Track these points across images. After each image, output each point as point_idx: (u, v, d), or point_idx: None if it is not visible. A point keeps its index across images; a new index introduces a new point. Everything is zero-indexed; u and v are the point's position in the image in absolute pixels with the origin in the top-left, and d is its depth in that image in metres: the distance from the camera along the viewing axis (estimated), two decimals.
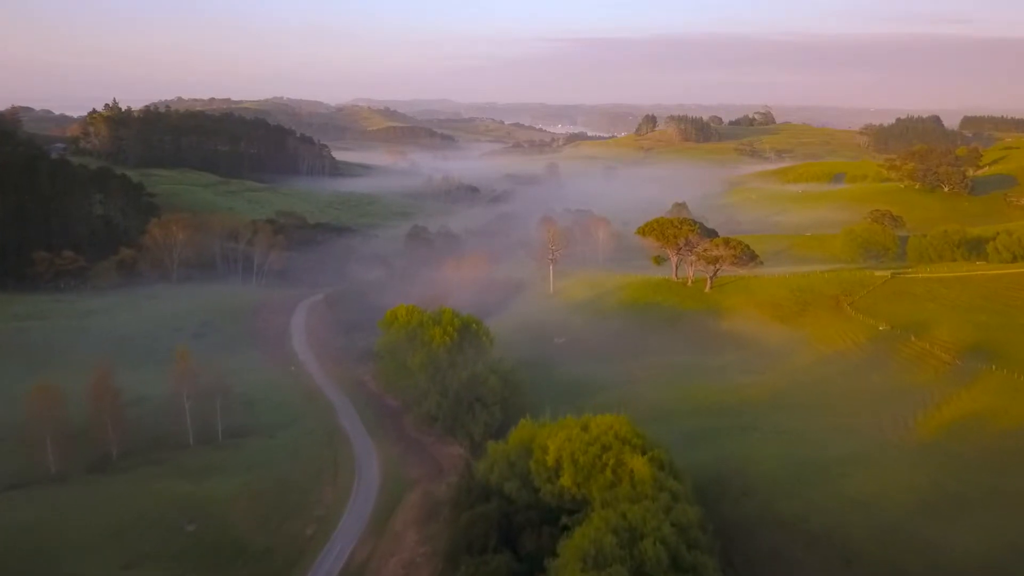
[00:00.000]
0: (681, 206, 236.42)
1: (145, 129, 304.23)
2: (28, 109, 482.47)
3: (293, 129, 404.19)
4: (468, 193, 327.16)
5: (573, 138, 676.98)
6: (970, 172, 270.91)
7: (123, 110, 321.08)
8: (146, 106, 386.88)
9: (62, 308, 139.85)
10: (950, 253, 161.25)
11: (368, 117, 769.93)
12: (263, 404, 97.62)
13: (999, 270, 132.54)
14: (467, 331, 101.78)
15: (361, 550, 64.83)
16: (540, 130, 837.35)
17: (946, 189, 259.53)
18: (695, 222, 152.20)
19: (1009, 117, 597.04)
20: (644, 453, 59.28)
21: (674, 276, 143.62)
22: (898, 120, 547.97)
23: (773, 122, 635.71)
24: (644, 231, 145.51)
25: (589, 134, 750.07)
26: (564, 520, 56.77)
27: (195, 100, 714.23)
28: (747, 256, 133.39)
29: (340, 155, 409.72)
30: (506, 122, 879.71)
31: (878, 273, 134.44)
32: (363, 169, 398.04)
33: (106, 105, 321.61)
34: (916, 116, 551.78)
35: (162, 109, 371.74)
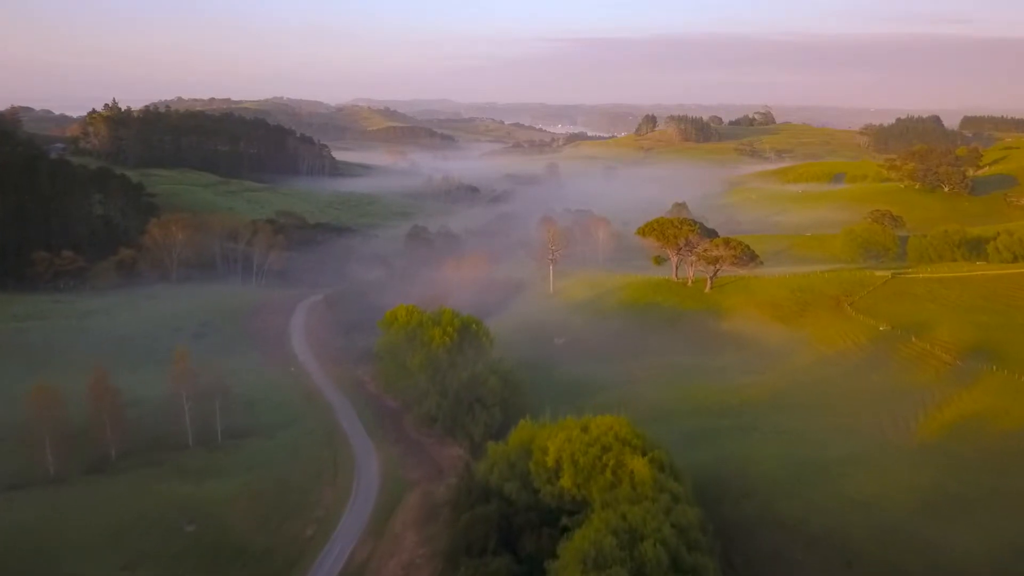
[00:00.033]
0: (681, 206, 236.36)
1: (145, 129, 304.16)
2: (28, 109, 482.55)
3: (293, 129, 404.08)
4: (468, 193, 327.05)
5: (573, 138, 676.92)
6: (970, 172, 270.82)
7: (123, 110, 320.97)
8: (146, 106, 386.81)
9: (61, 308, 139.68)
10: (950, 253, 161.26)
11: (368, 117, 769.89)
12: (263, 405, 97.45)
13: (999, 270, 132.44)
14: (467, 331, 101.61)
15: (361, 551, 64.70)
16: (540, 130, 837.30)
17: (946, 189, 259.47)
18: (695, 222, 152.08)
19: (1009, 117, 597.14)
20: (644, 454, 59.17)
21: (674, 276, 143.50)
22: (898, 120, 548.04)
23: (773, 122, 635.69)
24: (644, 231, 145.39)
25: (589, 134, 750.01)
26: (564, 521, 56.70)
27: (195, 100, 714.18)
28: (747, 256, 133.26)
29: (340, 155, 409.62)
30: (506, 122, 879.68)
31: (878, 273, 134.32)
32: (363, 169, 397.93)
33: (106, 105, 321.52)
34: (916, 116, 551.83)
35: (162, 109, 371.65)
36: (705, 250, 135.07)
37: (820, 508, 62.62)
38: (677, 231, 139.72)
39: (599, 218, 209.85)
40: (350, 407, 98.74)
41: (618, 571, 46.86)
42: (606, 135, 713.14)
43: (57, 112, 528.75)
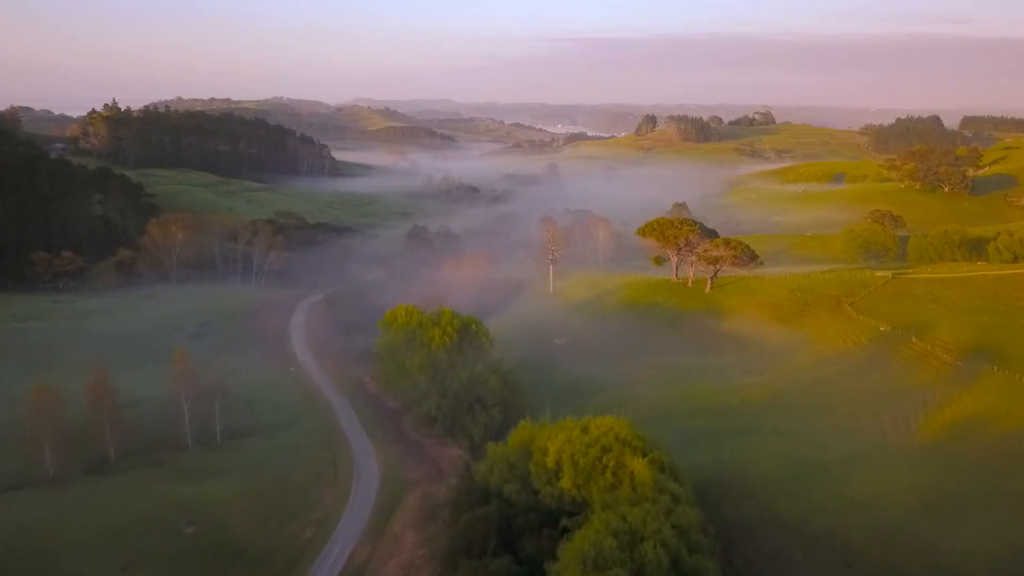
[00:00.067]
0: (681, 206, 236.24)
1: (145, 129, 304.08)
2: (28, 109, 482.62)
3: (293, 129, 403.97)
4: (468, 193, 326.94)
5: (573, 138, 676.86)
6: (970, 172, 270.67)
7: (123, 110, 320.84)
8: (146, 106, 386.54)
9: (61, 309, 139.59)
10: (951, 253, 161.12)
11: (368, 117, 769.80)
12: (262, 405, 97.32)
13: (1000, 270, 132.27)
14: (467, 332, 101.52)
15: (360, 552, 64.60)
16: (540, 130, 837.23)
17: (946, 189, 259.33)
18: (695, 222, 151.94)
19: (1009, 117, 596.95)
20: (644, 455, 59.05)
21: (674, 276, 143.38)
22: (898, 120, 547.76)
23: (773, 122, 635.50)
24: (644, 231, 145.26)
25: (589, 134, 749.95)
26: (564, 523, 56.59)
27: (195, 100, 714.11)
28: (747, 256, 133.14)
29: (340, 155, 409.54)
30: (506, 122, 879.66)
31: (879, 273, 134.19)
32: (363, 169, 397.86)
33: (105, 105, 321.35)
34: (916, 116, 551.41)
35: (162, 109, 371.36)
36: (705, 250, 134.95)
37: (820, 508, 62.52)
38: (677, 231, 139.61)
39: (599, 218, 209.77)
40: (350, 407, 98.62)
41: (618, 572, 46.76)
42: (606, 135, 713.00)
43: (57, 112, 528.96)
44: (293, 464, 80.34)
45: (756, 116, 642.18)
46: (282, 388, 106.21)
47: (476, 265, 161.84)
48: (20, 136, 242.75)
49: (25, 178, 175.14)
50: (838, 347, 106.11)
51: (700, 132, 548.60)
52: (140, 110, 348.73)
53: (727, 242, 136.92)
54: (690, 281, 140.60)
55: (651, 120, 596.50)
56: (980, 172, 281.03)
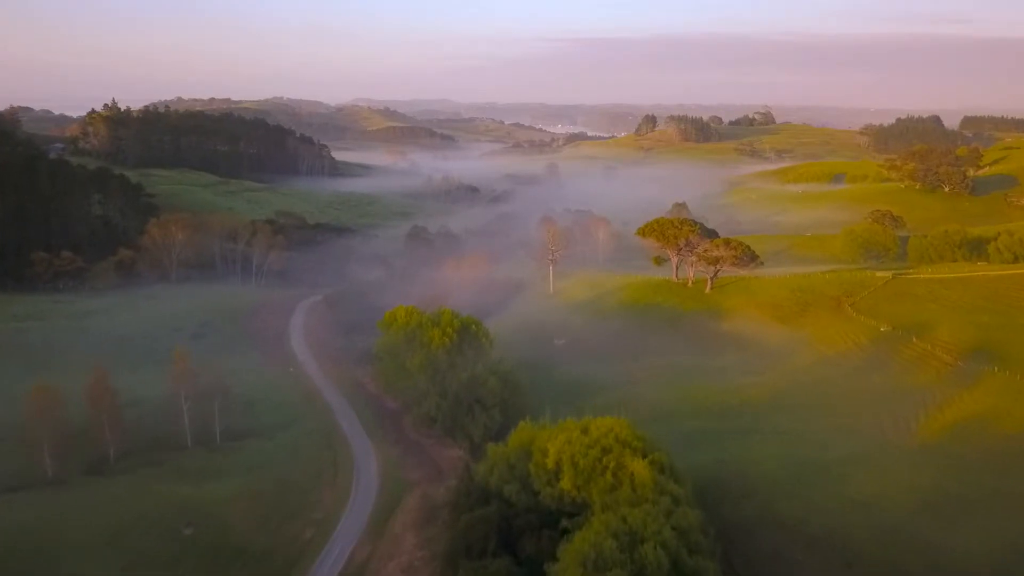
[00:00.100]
0: (681, 206, 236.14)
1: (144, 129, 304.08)
2: (28, 109, 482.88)
3: (293, 129, 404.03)
4: (468, 193, 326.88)
5: (573, 138, 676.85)
6: (970, 172, 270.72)
7: (122, 110, 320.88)
8: (146, 106, 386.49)
9: (61, 309, 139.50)
10: (951, 253, 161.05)
11: (368, 117, 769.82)
12: (262, 405, 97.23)
13: (1000, 271, 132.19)
14: (466, 332, 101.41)
15: (360, 552, 64.50)
16: (540, 130, 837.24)
17: (946, 189, 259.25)
18: (695, 222, 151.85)
19: (1009, 117, 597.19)
20: (645, 456, 58.94)
21: (674, 277, 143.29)
22: (898, 120, 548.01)
23: (773, 122, 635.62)
24: (644, 232, 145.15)
25: (589, 134, 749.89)
26: (564, 523, 56.47)
27: (195, 100, 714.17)
28: (747, 257, 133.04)
29: (340, 155, 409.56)
30: (506, 122, 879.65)
31: (879, 274, 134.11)
32: (363, 169, 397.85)
33: (105, 105, 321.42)
34: (916, 116, 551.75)
35: (162, 109, 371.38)
36: (705, 250, 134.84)
37: (821, 509, 62.44)
38: (677, 231, 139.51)
39: (599, 218, 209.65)
40: (349, 408, 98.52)
41: (618, 574, 46.68)
42: (606, 135, 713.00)
43: (57, 112, 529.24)
44: (293, 464, 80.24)
45: (756, 116, 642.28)
46: (282, 388, 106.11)
47: (476, 265, 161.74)
48: (20, 136, 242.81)
49: (25, 178, 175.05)
50: (838, 347, 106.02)
51: (700, 132, 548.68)
52: (140, 110, 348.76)
53: (727, 242, 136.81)
54: (690, 281, 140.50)
55: (651, 120, 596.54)
56: (980, 172, 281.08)
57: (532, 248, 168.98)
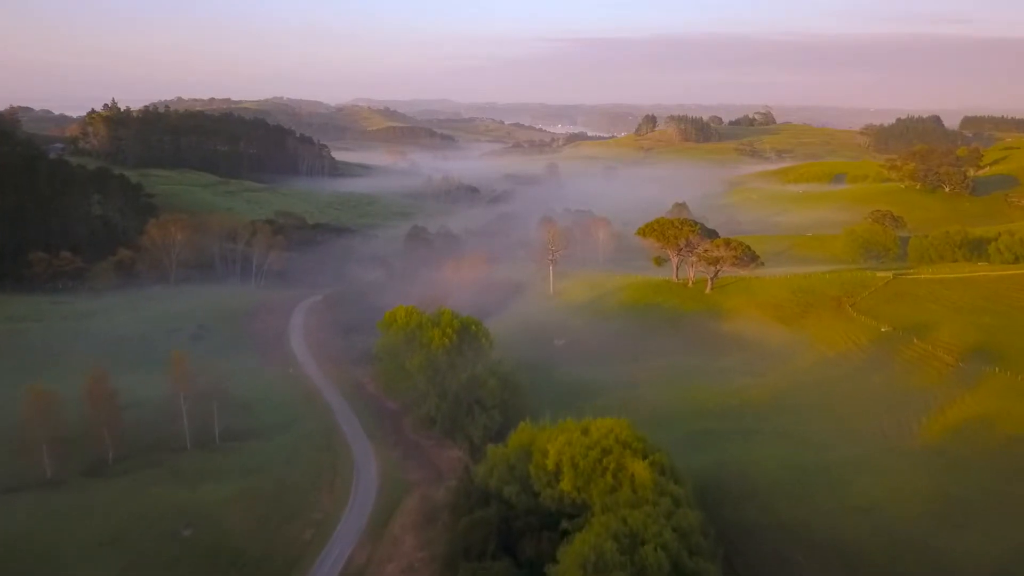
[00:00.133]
0: (681, 206, 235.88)
1: (144, 129, 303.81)
2: (28, 109, 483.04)
3: (293, 129, 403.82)
4: (468, 193, 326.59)
5: (573, 138, 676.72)
6: (971, 172, 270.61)
7: (122, 110, 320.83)
8: (145, 106, 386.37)
9: (59, 309, 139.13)
10: (951, 254, 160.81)
11: (368, 117, 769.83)
12: (261, 407, 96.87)
13: (1001, 271, 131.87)
14: (466, 333, 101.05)
15: (359, 555, 64.18)
16: (540, 130, 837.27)
17: (947, 189, 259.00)
18: (695, 223, 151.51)
19: (1009, 117, 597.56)
20: (645, 457, 58.66)
21: (675, 277, 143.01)
22: (898, 120, 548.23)
23: (773, 122, 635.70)
24: (644, 232, 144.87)
25: (589, 134, 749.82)
26: (564, 525, 56.19)
27: (195, 100, 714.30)
28: (748, 257, 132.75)
29: (340, 155, 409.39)
30: (506, 122, 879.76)
31: (880, 274, 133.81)
32: (363, 169, 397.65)
33: (105, 105, 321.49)
34: (916, 116, 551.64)
35: (161, 109, 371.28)
36: (706, 251, 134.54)
37: (822, 511, 62.22)
38: (678, 232, 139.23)
39: (599, 218, 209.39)
40: (349, 409, 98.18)
41: None
42: (606, 135, 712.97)
43: (57, 112, 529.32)
44: (292, 466, 79.95)
45: (756, 116, 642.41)
46: (281, 389, 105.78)
47: (476, 266, 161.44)
48: (20, 136, 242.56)
49: (24, 178, 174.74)
50: (839, 348, 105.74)
51: (700, 132, 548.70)
52: (140, 110, 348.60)
53: (728, 242, 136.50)
54: (691, 282, 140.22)
55: (651, 120, 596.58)
56: (981, 172, 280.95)
57: (532, 248, 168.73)
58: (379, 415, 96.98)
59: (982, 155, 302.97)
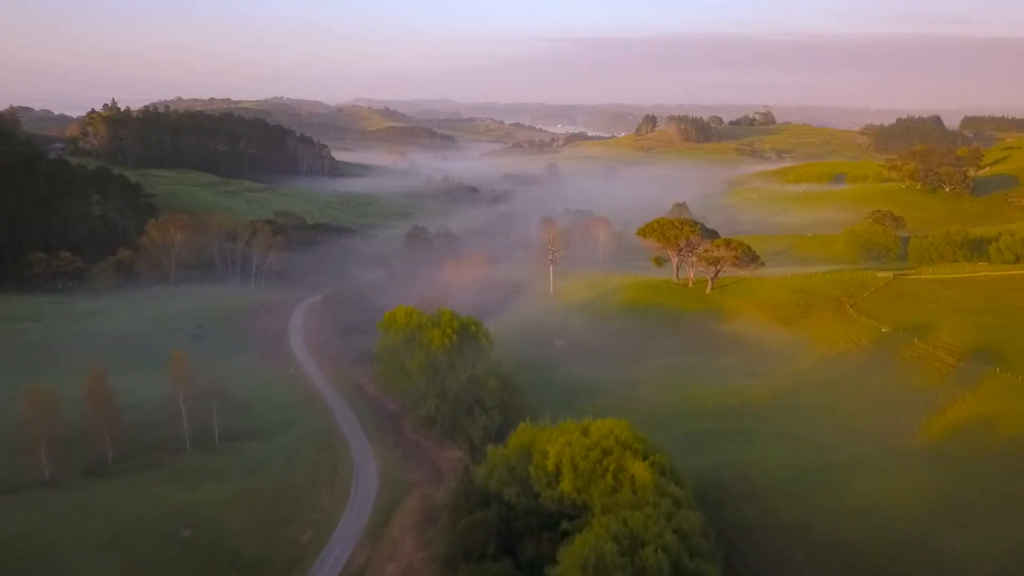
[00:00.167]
0: (681, 206, 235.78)
1: (144, 129, 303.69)
2: (27, 109, 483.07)
3: (293, 129, 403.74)
4: (468, 193, 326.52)
5: (573, 138, 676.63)
6: (971, 172, 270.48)
7: (122, 110, 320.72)
8: (145, 106, 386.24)
9: (59, 310, 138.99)
10: (952, 254, 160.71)
11: (368, 117, 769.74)
12: (261, 407, 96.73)
13: (1002, 271, 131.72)
14: (466, 333, 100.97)
15: (359, 555, 64.05)
16: (540, 130, 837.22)
17: (947, 189, 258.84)
18: (696, 223, 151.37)
19: (1010, 117, 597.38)
20: (645, 458, 58.46)
21: (675, 277, 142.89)
22: (898, 120, 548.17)
23: (773, 122, 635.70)
24: (645, 232, 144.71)
25: (589, 134, 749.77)
26: (564, 526, 56.01)
27: (195, 100, 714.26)
28: (748, 257, 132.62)
29: (340, 155, 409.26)
30: (506, 122, 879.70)
31: (880, 274, 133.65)
32: (363, 169, 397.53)
33: (105, 105, 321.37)
34: (916, 116, 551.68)
35: (161, 109, 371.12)
36: (706, 251, 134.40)
37: (822, 512, 62.08)
38: (678, 232, 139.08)
39: (599, 218, 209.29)
40: (349, 409, 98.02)
41: None
42: (606, 135, 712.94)
43: (57, 112, 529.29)
44: (292, 466, 79.84)
45: (756, 116, 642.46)
46: (281, 390, 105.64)
47: (476, 266, 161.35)
48: (19, 136, 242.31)
49: (24, 178, 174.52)
50: (840, 348, 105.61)
51: (700, 132, 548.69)
52: (140, 110, 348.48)
53: (728, 243, 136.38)
54: (691, 282, 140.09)
55: (651, 120, 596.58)
56: (981, 172, 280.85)
57: (532, 248, 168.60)
58: (379, 415, 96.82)
59: (982, 155, 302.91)
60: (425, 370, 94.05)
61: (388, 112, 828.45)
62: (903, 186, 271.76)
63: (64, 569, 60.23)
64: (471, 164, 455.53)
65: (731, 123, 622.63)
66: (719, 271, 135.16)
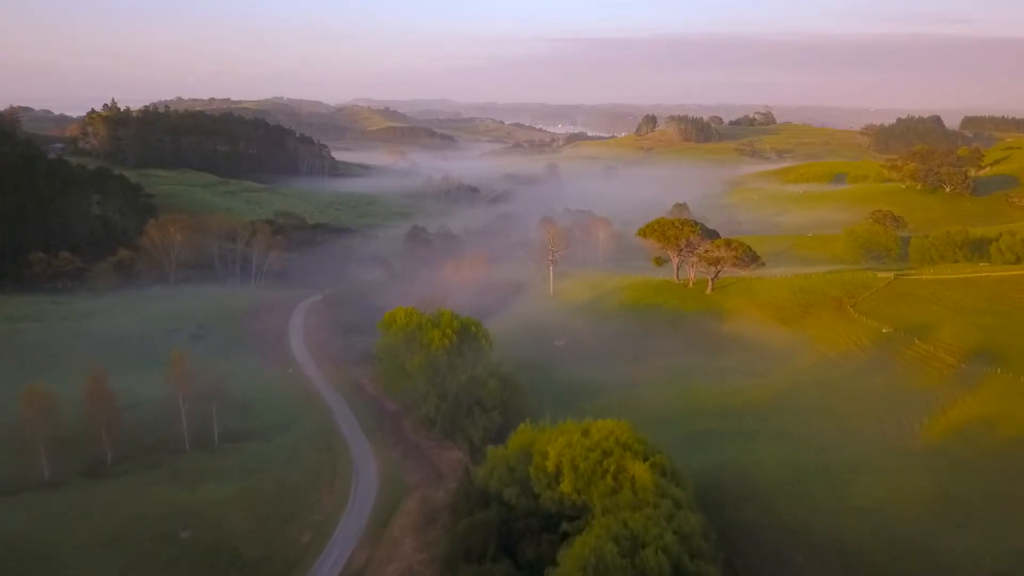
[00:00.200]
0: (682, 206, 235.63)
1: (144, 129, 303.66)
2: (27, 109, 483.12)
3: (293, 129, 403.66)
4: (468, 193, 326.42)
5: (573, 138, 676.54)
6: (972, 172, 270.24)
7: (122, 110, 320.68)
8: (145, 106, 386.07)
9: (59, 310, 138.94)
10: (952, 254, 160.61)
11: (368, 117, 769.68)
12: (260, 407, 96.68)
13: (1003, 271, 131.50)
14: (466, 333, 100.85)
15: (358, 556, 63.97)
16: (540, 130, 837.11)
17: (948, 190, 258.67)
18: (696, 223, 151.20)
19: (1010, 117, 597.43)
20: (646, 459, 58.33)
21: (675, 277, 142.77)
22: (899, 120, 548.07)
23: (773, 122, 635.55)
24: (645, 232, 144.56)
25: (589, 134, 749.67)
26: (564, 527, 55.89)
27: (195, 100, 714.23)
28: (748, 257, 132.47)
29: (340, 155, 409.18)
30: (506, 122, 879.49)
31: (881, 274, 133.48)
32: (363, 169, 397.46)
33: (105, 105, 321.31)
34: (917, 116, 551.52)
35: (161, 109, 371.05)
36: (706, 251, 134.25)
37: (823, 512, 61.99)
38: (678, 232, 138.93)
39: (599, 218, 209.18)
40: (349, 409, 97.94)
41: None
42: (606, 135, 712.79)
43: (56, 112, 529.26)
44: (291, 467, 79.77)
45: (756, 116, 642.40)
46: (281, 390, 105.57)
47: (476, 266, 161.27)
48: (19, 136, 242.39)
49: (24, 178, 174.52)
50: (840, 349, 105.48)
51: (700, 132, 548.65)
52: (140, 110, 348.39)
53: (728, 243, 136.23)
54: (691, 282, 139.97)
55: (651, 120, 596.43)
56: (982, 172, 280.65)
57: (532, 248, 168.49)
58: (379, 416, 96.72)
59: (983, 155, 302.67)
60: (425, 370, 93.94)
61: (388, 112, 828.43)
62: (903, 186, 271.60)
63: (64, 569, 60.16)
64: (471, 164, 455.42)
65: (731, 123, 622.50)
66: (719, 271, 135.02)
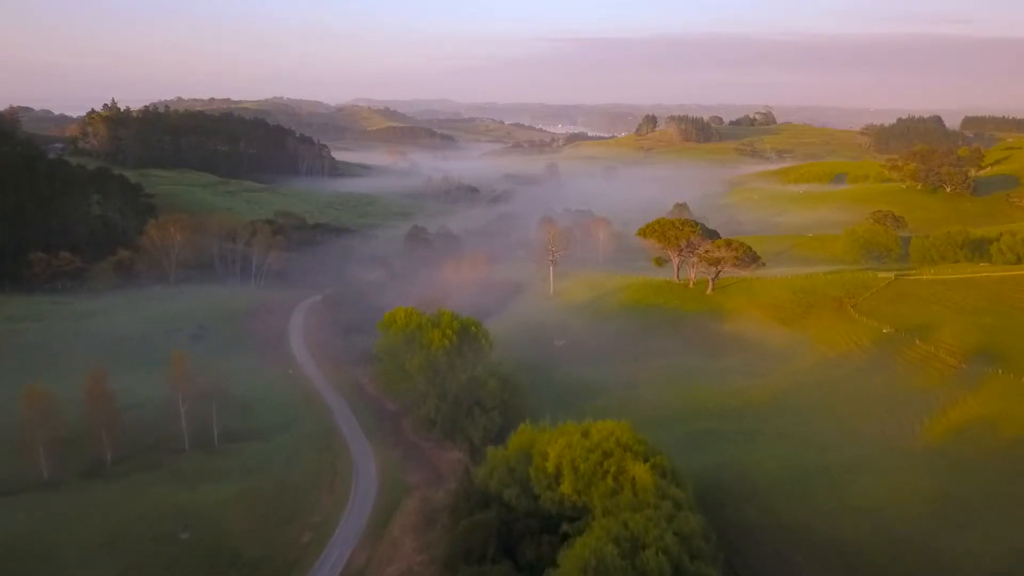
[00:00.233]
0: (682, 206, 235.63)
1: (144, 129, 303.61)
2: (27, 109, 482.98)
3: (293, 129, 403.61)
4: (468, 193, 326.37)
5: (573, 138, 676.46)
6: (972, 172, 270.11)
7: (122, 110, 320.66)
8: (145, 106, 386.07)
9: (59, 310, 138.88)
10: (953, 254, 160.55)
11: (368, 117, 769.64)
12: (260, 407, 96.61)
13: (1003, 272, 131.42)
14: (466, 333, 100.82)
15: (358, 557, 63.91)
16: (540, 130, 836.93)
17: (948, 190, 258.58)
18: (696, 223, 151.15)
19: (1010, 117, 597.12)
20: (646, 460, 58.24)
21: (675, 278, 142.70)
22: (899, 120, 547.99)
23: (774, 122, 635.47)
24: (645, 232, 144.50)
25: (589, 134, 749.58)
26: (564, 528, 55.83)
27: (195, 100, 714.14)
28: (749, 257, 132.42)
29: (340, 155, 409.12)
30: (506, 122, 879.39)
31: (881, 275, 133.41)
32: (363, 169, 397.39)
33: (105, 105, 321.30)
34: (917, 116, 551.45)
35: (161, 109, 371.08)
36: (707, 251, 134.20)
37: (823, 512, 61.94)
38: (678, 232, 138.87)
39: (599, 218, 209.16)
40: (349, 410, 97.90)
41: None
42: (606, 135, 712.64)
43: (56, 112, 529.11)
44: (291, 467, 79.72)
45: (756, 116, 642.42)
46: (281, 390, 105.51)
47: (476, 266, 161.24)
48: (19, 136, 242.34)
49: (24, 178, 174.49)
50: (841, 349, 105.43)
51: (700, 132, 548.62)
52: (140, 110, 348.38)
53: (728, 243, 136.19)
54: (691, 282, 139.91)
55: (651, 120, 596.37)
56: (982, 172, 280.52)
57: (532, 249, 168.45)
58: (379, 416, 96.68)
59: (983, 155, 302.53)
60: (425, 371, 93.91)
61: (388, 112, 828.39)
62: (904, 186, 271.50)
63: (63, 570, 60.08)
64: (471, 164, 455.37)
65: (731, 123, 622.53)
66: (720, 271, 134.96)
